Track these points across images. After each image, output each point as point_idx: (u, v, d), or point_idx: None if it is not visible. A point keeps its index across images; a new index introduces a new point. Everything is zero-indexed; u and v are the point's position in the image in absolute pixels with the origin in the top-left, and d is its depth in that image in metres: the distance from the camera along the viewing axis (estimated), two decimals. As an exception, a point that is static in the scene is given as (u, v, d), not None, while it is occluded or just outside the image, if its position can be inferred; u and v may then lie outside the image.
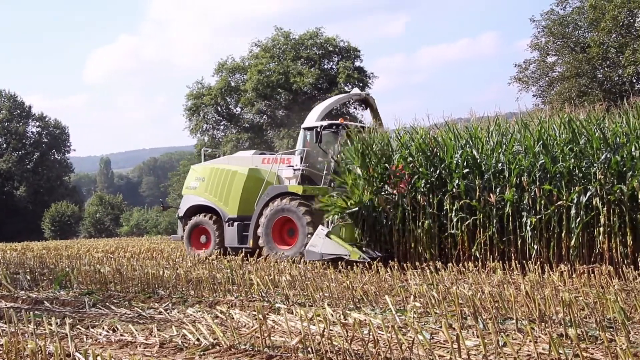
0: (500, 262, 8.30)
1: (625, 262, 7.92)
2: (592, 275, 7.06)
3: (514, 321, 4.70)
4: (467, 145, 9.73)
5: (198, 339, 4.46)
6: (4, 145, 55.79)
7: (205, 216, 13.34)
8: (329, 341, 3.90)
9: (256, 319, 4.80)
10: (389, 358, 3.75)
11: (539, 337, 4.26)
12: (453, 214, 9.36)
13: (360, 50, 40.47)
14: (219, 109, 41.66)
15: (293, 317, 5.16)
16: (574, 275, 7.53)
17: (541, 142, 8.92)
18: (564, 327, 4.40)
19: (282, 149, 30.56)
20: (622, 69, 26.68)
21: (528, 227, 8.71)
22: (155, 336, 4.68)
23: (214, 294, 6.91)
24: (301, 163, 12.25)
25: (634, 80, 27.75)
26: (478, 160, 9.50)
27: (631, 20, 27.14)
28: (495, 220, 9.03)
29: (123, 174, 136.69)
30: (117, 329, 5.09)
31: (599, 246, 8.24)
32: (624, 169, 8.27)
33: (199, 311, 5.84)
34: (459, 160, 9.59)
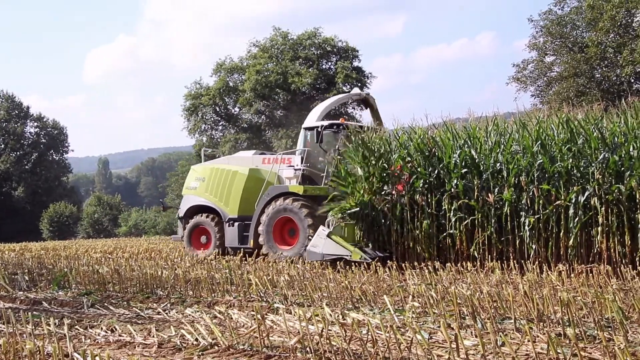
0: (499, 261, 8.31)
1: (623, 261, 7.93)
2: (591, 274, 7.08)
3: (512, 321, 4.70)
4: (466, 145, 9.73)
5: (196, 339, 4.46)
6: (2, 146, 55.75)
7: (205, 216, 13.34)
8: (328, 341, 3.90)
9: (255, 319, 4.80)
10: (388, 358, 3.75)
11: (537, 336, 4.27)
12: (451, 213, 9.37)
13: (359, 50, 40.53)
14: (217, 109, 41.64)
15: (291, 317, 5.16)
16: (572, 275, 7.54)
17: (539, 142, 8.93)
18: (562, 326, 4.41)
19: (280, 149, 30.54)
20: (620, 69, 26.72)
21: (526, 227, 8.72)
22: (153, 336, 4.67)
23: (213, 294, 6.91)
24: (302, 163, 12.24)
25: (632, 80, 27.79)
26: (476, 160, 9.51)
27: (629, 20, 27.18)
28: (493, 220, 9.03)
29: (121, 174, 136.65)
30: (116, 329, 5.08)
31: (597, 246, 8.25)
32: (622, 168, 8.28)
33: (198, 311, 5.83)
34: (457, 160, 9.60)
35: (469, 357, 3.63)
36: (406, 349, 3.80)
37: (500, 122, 10.01)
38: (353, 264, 9.20)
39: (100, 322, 5.50)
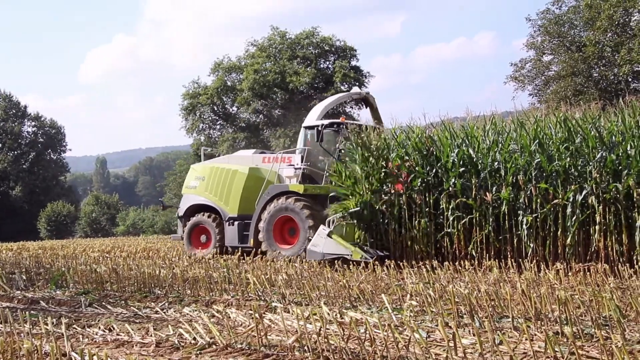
0: (497, 260, 8.33)
1: (621, 260, 7.95)
2: (588, 273, 7.09)
3: (510, 319, 4.71)
4: (464, 144, 9.74)
5: (194, 338, 4.46)
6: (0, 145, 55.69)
7: (205, 215, 13.32)
8: (326, 340, 3.90)
9: (252, 318, 4.79)
10: (386, 356, 3.75)
11: (535, 335, 4.27)
12: (449, 212, 9.37)
13: (357, 50, 40.50)
14: (215, 109, 41.57)
15: (289, 316, 5.16)
16: (569, 274, 7.54)
17: (537, 141, 8.94)
18: (559, 325, 4.41)
19: (278, 149, 30.52)
20: (617, 68, 26.73)
21: (524, 226, 8.74)
22: (151, 335, 4.67)
23: (211, 293, 6.90)
24: (302, 162, 12.22)
25: (630, 79, 27.82)
26: (474, 159, 9.52)
27: (627, 20, 27.20)
28: (491, 219, 9.04)
29: (119, 173, 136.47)
30: (114, 328, 5.08)
31: (594, 244, 8.27)
32: (620, 167, 8.29)
33: (196, 310, 5.83)
34: (455, 159, 9.60)
35: (466, 356, 3.63)
36: (404, 347, 3.80)
37: (498, 121, 10.03)
38: (351, 262, 9.20)
39: (98, 321, 5.50)
